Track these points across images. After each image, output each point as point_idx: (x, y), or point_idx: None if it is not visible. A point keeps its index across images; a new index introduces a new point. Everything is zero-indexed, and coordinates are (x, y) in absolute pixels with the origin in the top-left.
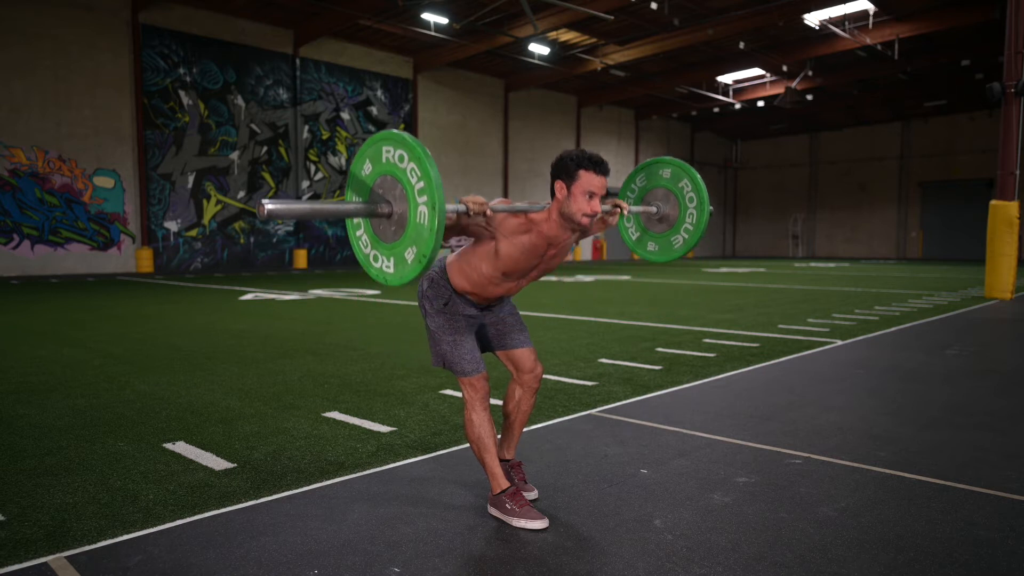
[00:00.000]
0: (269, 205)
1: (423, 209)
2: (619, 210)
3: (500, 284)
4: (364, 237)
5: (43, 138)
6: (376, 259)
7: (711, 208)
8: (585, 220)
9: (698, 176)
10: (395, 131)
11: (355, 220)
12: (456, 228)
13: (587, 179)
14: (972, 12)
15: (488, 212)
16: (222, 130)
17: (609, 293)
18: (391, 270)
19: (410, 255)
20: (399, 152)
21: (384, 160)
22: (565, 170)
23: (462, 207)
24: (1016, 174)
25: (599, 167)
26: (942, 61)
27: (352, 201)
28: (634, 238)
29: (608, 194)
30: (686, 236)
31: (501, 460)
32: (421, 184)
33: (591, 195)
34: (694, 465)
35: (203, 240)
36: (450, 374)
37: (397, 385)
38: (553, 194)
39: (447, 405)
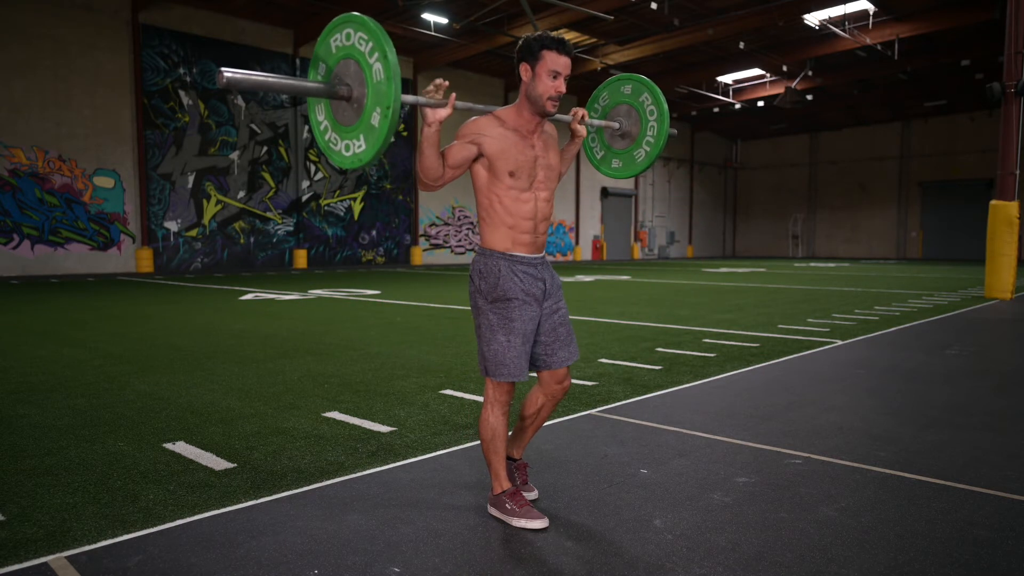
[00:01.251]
0: (228, 73)
1: (376, 114)
2: (584, 119)
3: (519, 196)
4: (324, 122)
5: (43, 138)
6: (327, 131)
7: (672, 131)
8: (551, 104)
9: (658, 90)
10: (372, 21)
11: (317, 107)
12: (434, 146)
13: (551, 59)
14: (972, 12)
15: (452, 98)
16: (222, 130)
17: (609, 293)
18: (336, 148)
19: (354, 147)
20: (370, 45)
21: (355, 45)
22: (528, 51)
23: (423, 99)
24: (1016, 174)
25: (562, 46)
26: (942, 61)
27: (315, 80)
28: (599, 156)
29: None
30: (648, 149)
31: (508, 458)
32: (382, 89)
33: (555, 75)
34: (694, 465)
35: (203, 240)
36: (450, 374)
37: (397, 385)
38: (520, 78)
39: (447, 405)
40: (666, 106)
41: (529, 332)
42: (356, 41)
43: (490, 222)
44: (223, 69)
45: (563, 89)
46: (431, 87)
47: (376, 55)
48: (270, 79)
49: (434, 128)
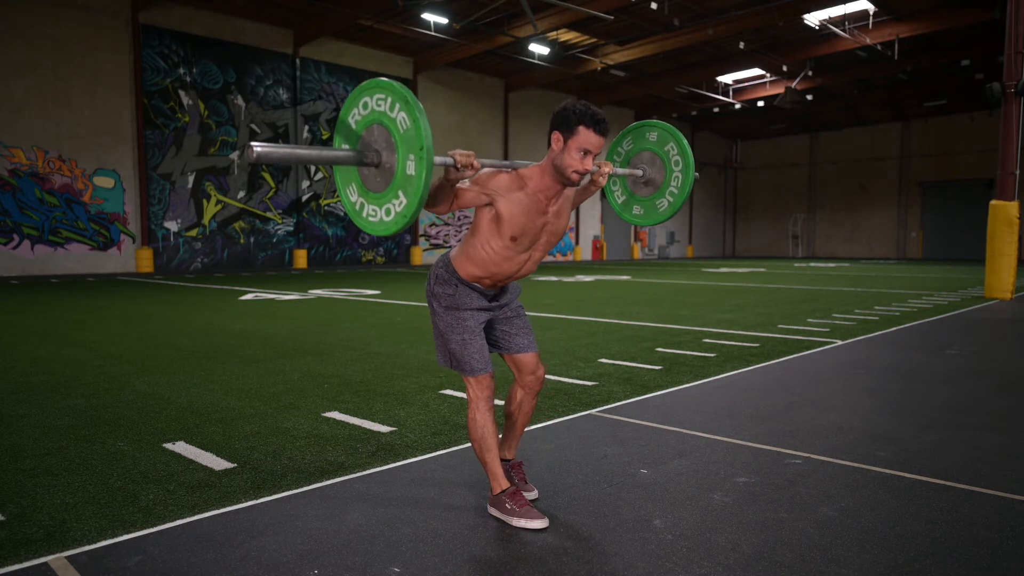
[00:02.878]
0: (258, 148)
1: (411, 161)
2: (606, 171)
3: (512, 257)
4: (353, 185)
5: (43, 138)
6: (362, 207)
7: (696, 174)
8: (575, 176)
9: (684, 139)
10: (385, 79)
11: (349, 189)
12: (450, 192)
13: (585, 136)
14: (972, 12)
15: (476, 163)
16: (222, 130)
17: (609, 293)
18: (376, 219)
19: (395, 207)
20: (390, 101)
21: (374, 109)
22: (565, 122)
23: (450, 160)
24: (1016, 174)
25: (599, 126)
26: (942, 61)
27: (341, 148)
28: (620, 201)
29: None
30: (671, 199)
31: (502, 460)
32: (411, 135)
33: (586, 152)
34: (694, 465)
35: (203, 240)
36: (450, 374)
37: (397, 385)
38: (550, 143)
39: (447, 405)
40: (691, 156)
41: (481, 327)
42: (375, 104)
43: (470, 256)
44: (253, 144)
45: (591, 167)
46: (460, 155)
47: (398, 106)
48: (299, 151)
49: (452, 183)
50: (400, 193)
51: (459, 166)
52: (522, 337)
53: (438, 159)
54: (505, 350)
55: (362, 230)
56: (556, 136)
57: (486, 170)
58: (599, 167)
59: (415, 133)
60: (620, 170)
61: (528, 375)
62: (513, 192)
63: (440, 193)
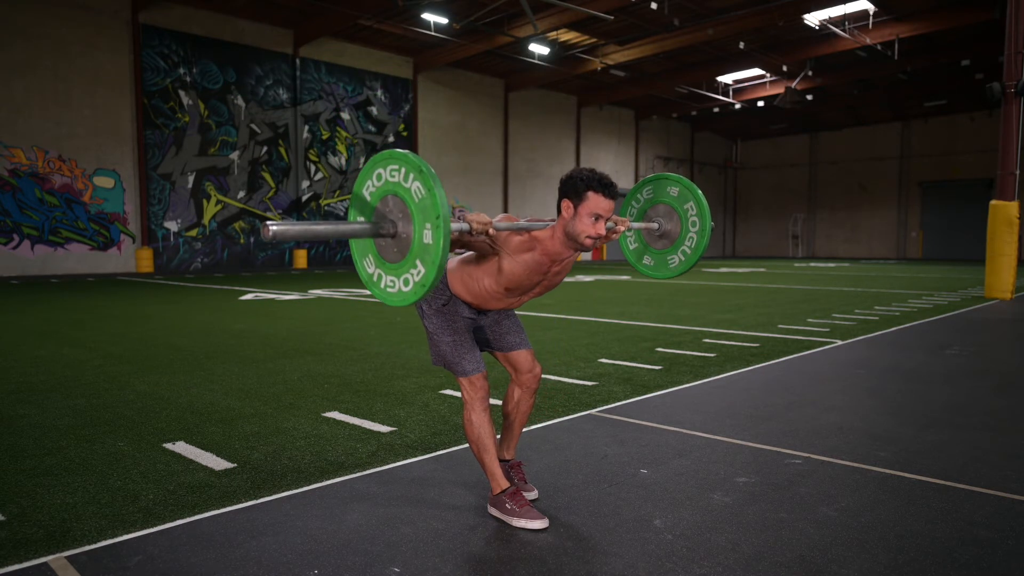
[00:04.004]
0: (274, 227)
1: (428, 230)
2: (621, 229)
3: (502, 299)
4: (369, 256)
5: (43, 138)
6: (380, 279)
7: (712, 223)
8: (589, 242)
9: (704, 202)
10: (399, 151)
11: (365, 261)
12: (459, 244)
13: (595, 201)
14: (972, 12)
15: (491, 231)
16: (222, 130)
17: (609, 293)
18: (394, 290)
19: (414, 277)
20: (403, 171)
21: (388, 180)
22: (574, 189)
23: (465, 226)
24: (1016, 174)
25: (608, 190)
26: (942, 61)
27: (356, 221)
28: (632, 247)
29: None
30: (682, 258)
31: (501, 460)
32: (426, 204)
33: (597, 217)
34: (694, 465)
35: (203, 240)
36: (450, 374)
37: (397, 385)
38: (559, 211)
39: (447, 405)
40: (709, 220)
41: (470, 328)
42: (389, 175)
43: (463, 279)
44: (268, 223)
45: (603, 232)
46: (476, 221)
47: (412, 176)
48: (314, 227)
49: (466, 240)
50: (418, 262)
51: (474, 232)
52: (513, 335)
53: (454, 225)
54: (498, 349)
55: (381, 302)
56: (566, 204)
57: (501, 234)
58: (615, 223)
59: (431, 202)
60: (636, 224)
61: (525, 373)
62: (521, 254)
63: (452, 246)
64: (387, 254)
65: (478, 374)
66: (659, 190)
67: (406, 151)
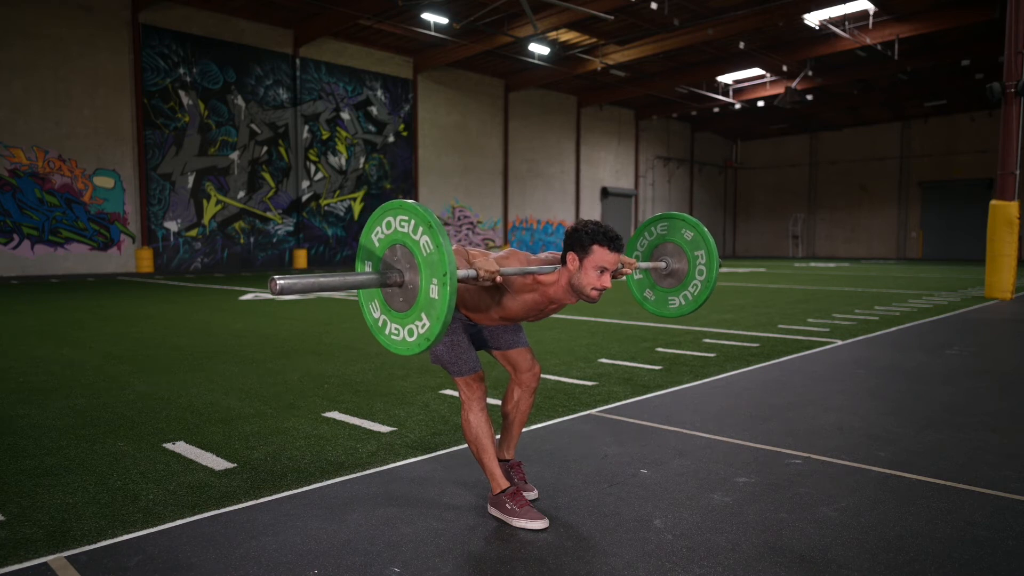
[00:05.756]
0: (281, 281)
1: (434, 285)
2: (627, 271)
3: (494, 322)
4: (375, 302)
5: (43, 138)
6: (385, 325)
7: (719, 262)
8: (594, 294)
9: (716, 254)
10: (407, 201)
11: (371, 305)
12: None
13: (600, 255)
14: (972, 12)
15: (498, 279)
16: (222, 130)
17: (609, 293)
18: (399, 338)
19: (419, 329)
20: (413, 223)
21: (397, 229)
22: (579, 243)
23: (472, 273)
24: (1016, 174)
25: (613, 243)
26: (942, 61)
27: (363, 272)
28: (636, 277)
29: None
30: (683, 303)
31: (501, 460)
32: (434, 260)
33: (603, 270)
34: (694, 465)
35: (203, 240)
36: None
37: (397, 385)
38: (564, 261)
39: (447, 405)
40: (716, 272)
41: (467, 330)
42: (398, 225)
43: (462, 296)
44: (275, 277)
45: (608, 285)
46: (484, 270)
47: (420, 230)
48: (322, 279)
49: (470, 281)
50: (423, 316)
51: (481, 280)
52: (511, 333)
53: (461, 273)
54: (496, 347)
55: (385, 348)
56: (571, 257)
57: (509, 269)
58: (623, 264)
59: (438, 258)
60: (643, 264)
61: (524, 372)
62: (523, 294)
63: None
64: (393, 302)
65: (474, 374)
66: (674, 230)
67: (416, 203)
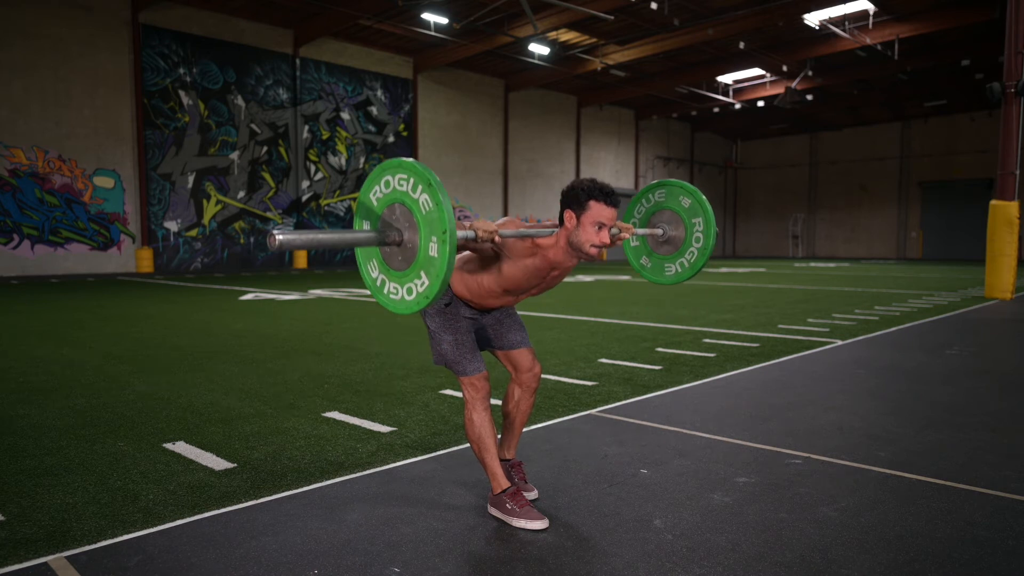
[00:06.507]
0: (280, 236)
1: (433, 243)
2: (625, 235)
3: (499, 297)
4: (374, 261)
5: (43, 138)
6: (383, 284)
7: (716, 230)
8: (594, 251)
9: (713, 221)
10: (408, 160)
11: (369, 265)
12: (463, 249)
13: (597, 210)
14: (972, 12)
15: (497, 239)
16: (222, 130)
17: (609, 293)
18: (397, 297)
19: (417, 287)
20: (412, 182)
21: (396, 188)
22: (575, 200)
23: (471, 234)
24: (1016, 174)
25: (609, 198)
26: (942, 61)
27: (362, 229)
28: (633, 245)
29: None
30: (679, 269)
31: (501, 460)
32: (433, 218)
33: (600, 226)
34: (694, 465)
35: (203, 240)
36: (450, 374)
37: (397, 385)
38: (562, 221)
39: (447, 405)
40: (713, 239)
41: (472, 328)
42: (396, 184)
43: (464, 277)
44: (275, 232)
45: (607, 240)
46: (482, 230)
47: (420, 188)
48: (320, 236)
49: (470, 247)
50: (422, 274)
51: (480, 240)
52: (514, 334)
53: (460, 233)
54: (499, 347)
55: (384, 308)
56: (568, 214)
57: (507, 240)
58: (620, 229)
59: (438, 216)
60: (640, 230)
61: (525, 372)
62: (524, 259)
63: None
64: (392, 262)
65: (479, 374)
66: (671, 197)
67: (415, 161)
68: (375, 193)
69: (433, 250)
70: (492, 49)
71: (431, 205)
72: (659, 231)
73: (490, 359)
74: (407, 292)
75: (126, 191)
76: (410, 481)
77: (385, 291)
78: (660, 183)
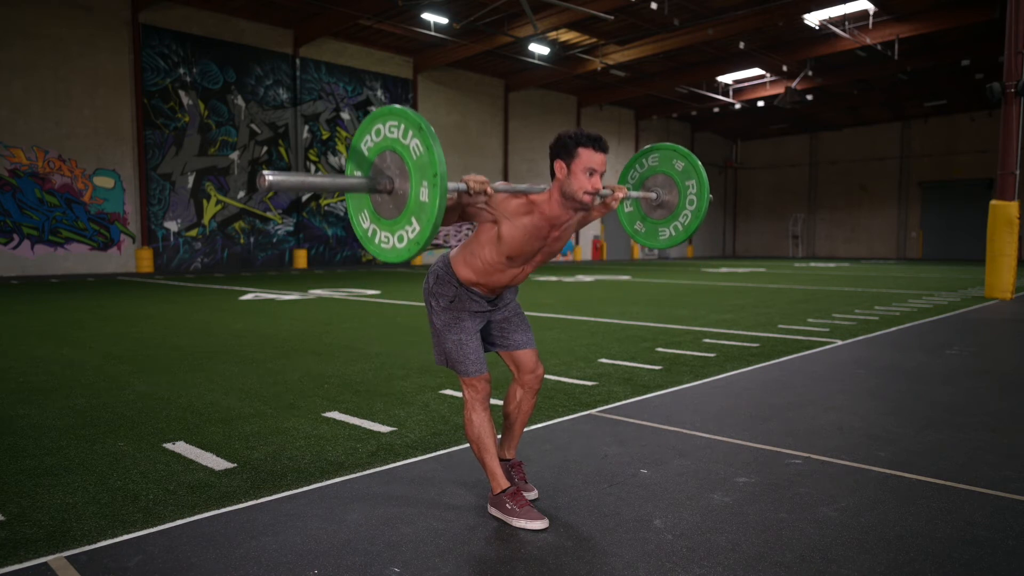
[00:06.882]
0: (270, 177)
1: (424, 188)
2: (619, 196)
3: (505, 270)
4: (365, 212)
5: (43, 138)
6: (375, 234)
7: (711, 196)
8: (587, 197)
9: (706, 182)
10: (398, 106)
11: (360, 216)
12: (457, 209)
13: (587, 156)
14: (972, 12)
15: (489, 190)
16: (222, 130)
17: (609, 293)
18: (388, 246)
19: (408, 234)
20: (403, 127)
21: (387, 135)
22: (564, 149)
23: (463, 186)
24: (1016, 174)
25: (597, 144)
26: (942, 61)
27: (353, 175)
28: (626, 211)
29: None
30: (673, 233)
31: (501, 460)
32: (424, 162)
33: (591, 172)
34: (694, 465)
35: (203, 240)
36: (450, 374)
37: (397, 385)
38: (553, 176)
39: (447, 405)
40: (707, 200)
41: (477, 328)
42: (387, 131)
43: (467, 260)
44: (265, 172)
45: (599, 186)
46: (474, 181)
47: (411, 133)
48: (311, 179)
49: (464, 206)
50: (413, 220)
51: (472, 192)
52: (520, 334)
53: (451, 185)
54: (503, 347)
55: (375, 257)
56: (559, 164)
57: (499, 195)
58: (612, 190)
59: (429, 160)
60: (634, 193)
61: (528, 373)
62: (520, 218)
63: (450, 213)
64: (383, 210)
65: (481, 376)
66: (665, 161)
67: (406, 107)
68: (366, 142)
69: (424, 195)
70: (492, 49)
71: (422, 150)
72: (653, 195)
73: (493, 358)
74: (398, 240)
75: (126, 191)
76: (410, 481)
77: (376, 240)
78: (653, 147)
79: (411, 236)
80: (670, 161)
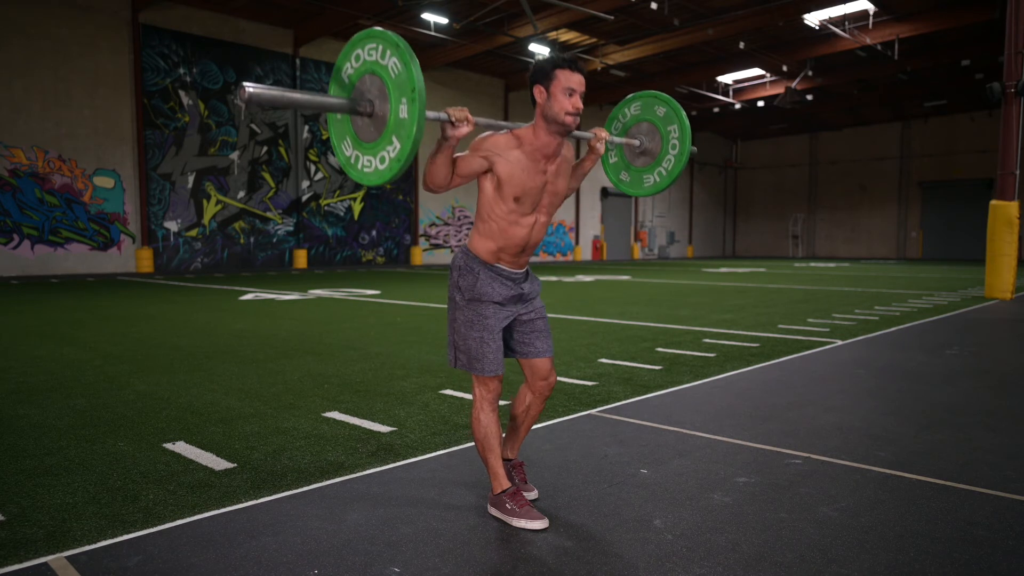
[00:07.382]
0: (250, 88)
1: (403, 105)
2: (603, 136)
3: (518, 220)
4: (347, 139)
5: (43, 138)
6: (357, 160)
7: (694, 148)
8: (569, 119)
9: (688, 126)
10: (377, 28)
11: (338, 123)
12: (446, 156)
13: (564, 77)
14: (972, 12)
15: (471, 120)
16: (222, 130)
17: (609, 293)
18: (371, 169)
19: (389, 153)
20: (381, 48)
21: (366, 59)
22: (542, 72)
23: (444, 115)
24: (1016, 174)
25: (574, 64)
26: (942, 61)
27: (335, 95)
28: (611, 161)
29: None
30: (658, 179)
31: (504, 459)
32: (402, 79)
33: (571, 92)
34: (694, 465)
35: (203, 240)
36: (451, 374)
37: (397, 385)
38: (534, 101)
39: (447, 405)
40: (689, 143)
41: (501, 328)
42: (367, 55)
43: (482, 232)
44: (245, 84)
45: (580, 106)
46: (455, 109)
47: (389, 52)
48: (291, 94)
49: (451, 143)
50: (393, 138)
51: (454, 120)
52: (542, 341)
53: (432, 114)
54: (522, 355)
55: (357, 182)
56: (538, 89)
57: (484, 134)
58: (595, 133)
59: (407, 76)
60: (617, 139)
61: (540, 380)
62: (510, 151)
63: (439, 160)
64: (364, 134)
65: (496, 376)
66: (647, 108)
67: (388, 31)
68: (347, 70)
69: (403, 111)
70: (492, 49)
71: (400, 67)
72: (636, 142)
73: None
74: (380, 161)
75: (126, 191)
76: (410, 481)
77: (359, 166)
78: (635, 96)
79: (392, 155)
80: (652, 108)
